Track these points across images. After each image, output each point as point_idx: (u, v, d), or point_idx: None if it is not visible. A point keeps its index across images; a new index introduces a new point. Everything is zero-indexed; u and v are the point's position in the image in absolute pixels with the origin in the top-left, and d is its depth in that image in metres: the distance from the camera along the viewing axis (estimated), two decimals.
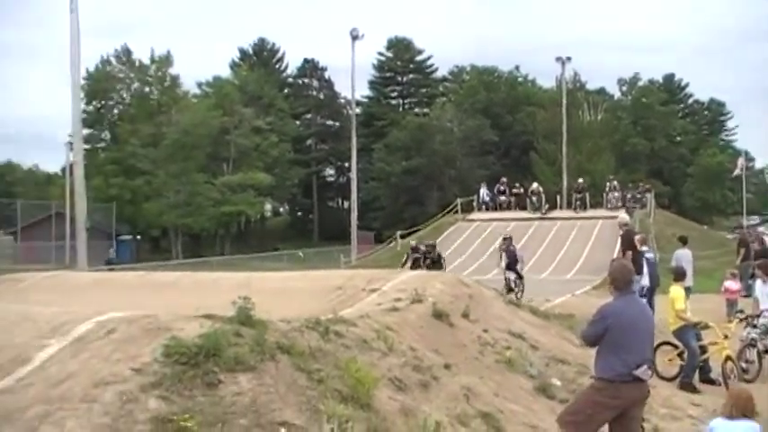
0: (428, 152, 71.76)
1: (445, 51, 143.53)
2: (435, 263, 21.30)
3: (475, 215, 45.47)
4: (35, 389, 6.04)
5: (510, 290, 21.78)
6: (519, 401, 8.67)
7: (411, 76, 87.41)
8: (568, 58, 57.46)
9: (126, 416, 5.46)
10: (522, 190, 46.24)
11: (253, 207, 66.76)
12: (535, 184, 45.99)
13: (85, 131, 55.14)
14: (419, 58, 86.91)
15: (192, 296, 12.29)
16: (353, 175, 51.30)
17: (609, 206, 42.71)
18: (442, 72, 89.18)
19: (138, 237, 65.23)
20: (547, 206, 44.30)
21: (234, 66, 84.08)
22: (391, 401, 7.12)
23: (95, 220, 47.17)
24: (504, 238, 24.17)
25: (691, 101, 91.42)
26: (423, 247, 24.43)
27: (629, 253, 15.85)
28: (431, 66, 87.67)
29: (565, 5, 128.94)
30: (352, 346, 7.89)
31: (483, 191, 47.55)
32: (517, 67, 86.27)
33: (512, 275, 22.70)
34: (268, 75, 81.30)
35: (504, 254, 23.40)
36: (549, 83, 78.38)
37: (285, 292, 12.00)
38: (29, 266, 33.35)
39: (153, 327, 6.75)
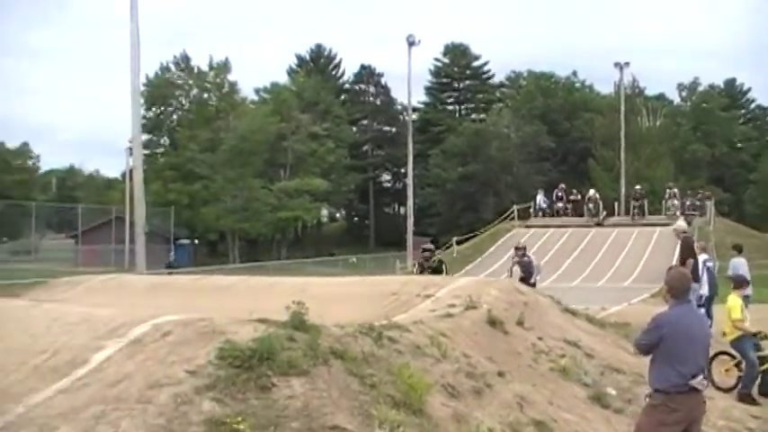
0: (485, 158, 71.54)
1: (502, 57, 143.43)
2: (436, 271, 19.11)
3: (532, 222, 45.22)
4: (92, 389, 6.12)
5: None
6: (573, 410, 8.57)
7: (468, 81, 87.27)
8: (627, 63, 57.00)
9: (180, 417, 5.50)
10: (579, 197, 45.87)
11: (309, 212, 67.19)
12: (592, 191, 45.57)
13: (145, 137, 56.02)
14: (476, 63, 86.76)
15: (247, 300, 12.36)
16: (410, 180, 51.38)
17: (668, 213, 42.18)
18: (498, 78, 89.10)
19: (196, 241, 65.95)
20: (604, 213, 43.87)
21: (291, 72, 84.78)
22: (444, 408, 7.08)
23: (154, 225, 47.82)
24: (517, 248, 22.23)
25: (753, 106, 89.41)
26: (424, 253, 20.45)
27: (691, 261, 15.61)
28: (487, 71, 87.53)
29: (623, 10, 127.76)
30: (406, 351, 7.86)
31: (540, 197, 47.28)
32: (575, 73, 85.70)
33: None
34: (325, 81, 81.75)
35: (517, 266, 21.65)
36: (607, 88, 77.85)
37: (340, 297, 12.01)
38: (89, 269, 33.91)
39: (208, 330, 6.80)
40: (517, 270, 21.27)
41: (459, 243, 43.88)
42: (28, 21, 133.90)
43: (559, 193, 46.13)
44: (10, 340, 7.98)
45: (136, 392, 5.84)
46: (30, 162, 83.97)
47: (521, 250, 21.77)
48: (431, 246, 19.42)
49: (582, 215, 43.90)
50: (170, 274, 27.01)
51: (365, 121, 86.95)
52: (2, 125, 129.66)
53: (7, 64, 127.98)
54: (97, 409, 5.69)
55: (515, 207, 47.89)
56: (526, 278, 20.27)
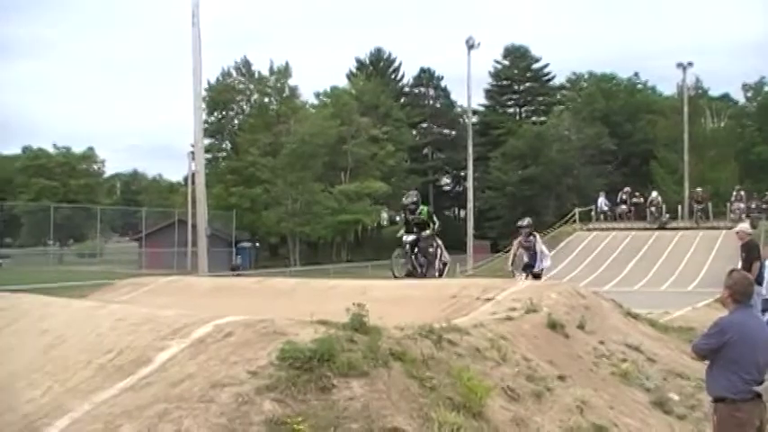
0: (545, 161, 71.02)
1: (562, 58, 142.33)
2: (422, 225, 16.25)
3: (593, 225, 44.82)
4: (155, 388, 6.23)
5: None
6: (634, 415, 8.47)
7: (528, 84, 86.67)
8: (690, 64, 56.09)
9: (241, 417, 5.56)
10: (641, 199, 45.32)
11: (369, 216, 67.32)
12: (654, 194, 45.01)
13: (207, 141, 56.82)
14: (536, 65, 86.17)
15: (308, 303, 12.45)
16: (469, 184, 51.23)
17: (732, 216, 41.42)
18: (559, 80, 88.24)
19: (257, 244, 66.51)
20: (667, 216, 43.28)
21: (351, 76, 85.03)
22: (504, 411, 7.06)
23: (216, 228, 48.42)
24: (521, 227, 18.71)
25: None
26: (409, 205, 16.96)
27: (757, 264, 15.33)
28: (548, 73, 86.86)
29: (686, 9, 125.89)
30: (466, 354, 7.84)
31: (601, 200, 46.85)
32: (636, 74, 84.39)
33: (523, 277, 17.88)
34: (384, 84, 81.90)
35: (521, 249, 18.66)
36: (669, 89, 76.67)
37: (399, 299, 12.02)
38: (152, 271, 34.42)
39: (269, 331, 6.87)
40: (522, 255, 18.64)
41: None
42: (93, 28, 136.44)
43: (623, 196, 45.64)
44: (77, 340, 8.15)
45: (198, 392, 5.94)
46: (95, 167, 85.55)
47: (526, 229, 18.53)
48: (414, 195, 17.02)
49: (644, 218, 43.38)
50: (236, 275, 27.32)
51: (425, 125, 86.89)
52: (69, 131, 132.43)
53: (74, 71, 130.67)
54: (160, 407, 5.80)
55: (576, 210, 47.54)
56: (531, 265, 18.21)
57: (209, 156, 59.16)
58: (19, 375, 7.65)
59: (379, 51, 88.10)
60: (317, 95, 77.04)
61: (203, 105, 44.86)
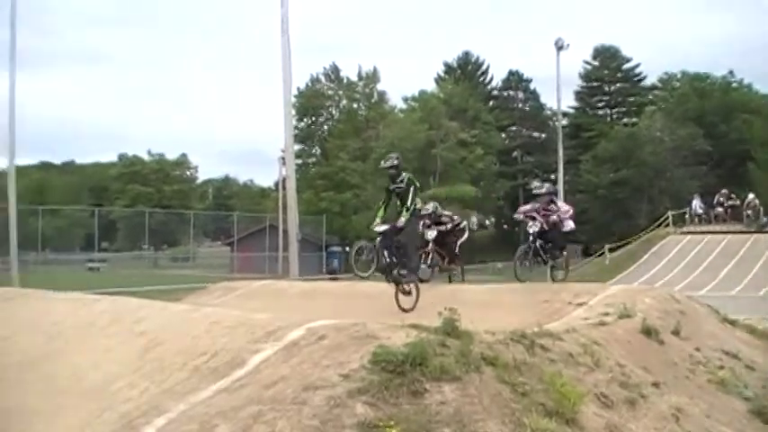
0: (637, 163, 69.73)
1: (654, 58, 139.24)
2: (403, 195, 13.59)
3: (687, 228, 43.92)
4: (249, 390, 6.33)
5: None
6: (732, 424, 8.25)
7: (618, 84, 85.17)
8: None
9: (334, 420, 5.60)
10: (737, 201, 44.20)
11: None
12: (751, 195, 43.83)
13: (297, 147, 57.52)
14: (627, 66, 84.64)
15: (393, 306, 12.54)
16: (560, 187, 50.63)
17: None
18: (650, 80, 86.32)
19: (347, 248, 66.83)
20: (765, 219, 42.09)
21: (439, 80, 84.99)
22: (597, 418, 6.95)
23: (306, 233, 48.83)
24: (538, 195, 15.97)
25: None
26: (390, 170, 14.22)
27: None
28: (639, 73, 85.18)
29: None
30: (558, 360, 7.76)
31: (696, 203, 45.91)
32: (731, 72, 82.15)
33: (536, 245, 15.04)
34: (473, 88, 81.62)
35: (537, 213, 15.38)
36: (766, 88, 74.54)
37: (491, 304, 11.99)
38: (244, 275, 34.88)
39: (361, 335, 6.91)
40: (538, 221, 15.28)
41: (611, 250, 43.08)
42: (186, 37, 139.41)
43: (720, 198, 44.63)
44: (173, 342, 8.33)
45: (291, 394, 6.00)
46: (188, 173, 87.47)
47: (546, 197, 15.80)
48: (395, 157, 14.05)
49: (741, 221, 42.30)
50: (333, 279, 27.54)
51: (514, 128, 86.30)
52: (162, 138, 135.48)
53: (168, 80, 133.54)
54: (254, 409, 5.88)
55: (670, 213, 46.68)
56: (546, 232, 15.11)
57: (299, 161, 59.94)
58: (117, 376, 7.86)
59: (467, 55, 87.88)
60: (406, 100, 77.28)
61: (293, 111, 45.42)
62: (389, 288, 13.26)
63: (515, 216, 16.91)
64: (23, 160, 79.37)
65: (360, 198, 64.26)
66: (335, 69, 73.04)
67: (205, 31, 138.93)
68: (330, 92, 73.19)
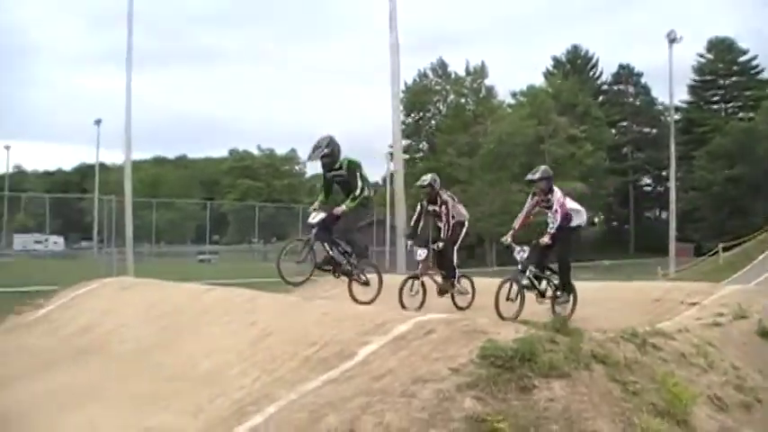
0: (754, 159, 67.57)
1: None
2: (346, 184, 11.76)
3: None
4: (358, 381, 6.42)
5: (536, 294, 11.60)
6: None
7: (734, 78, 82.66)
8: None
9: (442, 413, 5.62)
10: None
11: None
12: None
13: (404, 142, 57.53)
14: (742, 58, 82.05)
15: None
16: (672, 184, 49.47)
17: None
18: None
19: None
20: None
21: (548, 74, 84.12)
22: (710, 421, 6.78)
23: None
24: (532, 180, 12.56)
25: None
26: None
27: None
28: (756, 66, 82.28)
29: None
30: (670, 359, 7.59)
31: None
32: None
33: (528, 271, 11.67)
34: (582, 82, 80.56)
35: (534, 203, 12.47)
36: None
37: (600, 301, 11.81)
38: None
39: (470, 329, 6.91)
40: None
41: (725, 249, 41.92)
42: (295, 35, 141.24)
43: None
44: (283, 332, 8.50)
45: (399, 387, 6.05)
46: (297, 167, 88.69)
47: (541, 183, 12.38)
48: (326, 139, 11.52)
49: None
50: None
51: (624, 123, 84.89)
52: (272, 134, 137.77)
53: (276, 76, 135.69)
54: (363, 400, 5.96)
55: None
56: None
57: (406, 156, 59.87)
58: (231, 364, 8.07)
59: (575, 49, 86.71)
60: (514, 95, 76.76)
61: (401, 107, 45.56)
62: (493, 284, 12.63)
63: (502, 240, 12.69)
64: (139, 155, 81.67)
65: (467, 194, 64.08)
66: (443, 65, 73.10)
67: (314, 28, 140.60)
68: (437, 87, 73.26)
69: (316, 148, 11.44)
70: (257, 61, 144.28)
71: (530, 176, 12.71)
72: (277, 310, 9.82)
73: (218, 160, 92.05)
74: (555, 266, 11.93)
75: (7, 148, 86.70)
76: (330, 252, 11.69)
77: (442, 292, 12.68)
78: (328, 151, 11.42)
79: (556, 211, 11.86)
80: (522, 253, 11.81)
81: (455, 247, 13.09)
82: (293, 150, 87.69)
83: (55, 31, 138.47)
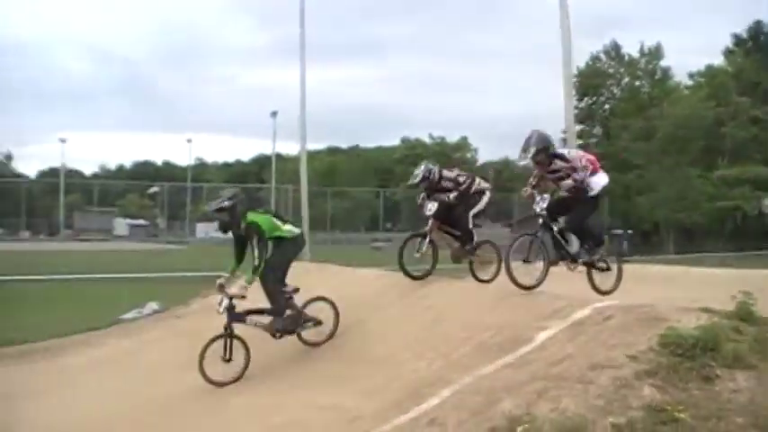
0: None
1: None
2: (243, 239, 9.91)
3: None
4: (534, 366, 6.40)
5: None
6: None
7: None
8: None
9: (620, 401, 5.51)
10: None
11: (749, 202, 63.40)
12: None
13: (578, 127, 56.53)
14: None
15: (688, 290, 12.05)
16: None
17: None
18: None
19: (629, 231, 65.17)
20: None
21: (728, 53, 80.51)
22: None
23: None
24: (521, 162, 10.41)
25: None
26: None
27: None
28: None
29: None
30: None
31: None
32: None
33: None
34: (766, 61, 76.69)
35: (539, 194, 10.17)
36: None
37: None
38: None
39: (649, 316, 6.76)
40: (540, 202, 10.24)
41: None
42: (465, 22, 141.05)
43: None
44: (458, 317, 8.58)
45: (577, 372, 5.99)
46: (468, 155, 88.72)
47: (537, 152, 9.91)
48: (227, 198, 9.89)
49: None
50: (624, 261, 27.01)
51: None
52: (444, 121, 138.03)
53: (448, 64, 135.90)
54: (539, 384, 5.94)
55: None
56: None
57: (580, 141, 58.79)
58: (406, 347, 8.22)
59: (758, 24, 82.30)
60: (692, 76, 73.74)
61: (573, 91, 44.80)
62: (678, 271, 12.55)
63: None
64: (313, 146, 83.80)
65: (644, 179, 62.39)
66: (616, 47, 71.13)
67: (484, 13, 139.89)
68: (611, 70, 71.43)
69: (217, 197, 10.02)
70: (427, 49, 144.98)
71: (521, 157, 10.01)
72: (451, 295, 9.91)
73: (390, 149, 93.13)
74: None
75: (189, 141, 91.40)
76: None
77: (454, 257, 11.78)
78: (227, 204, 9.80)
79: (583, 166, 10.13)
80: (541, 203, 9.91)
81: (472, 213, 11.76)
82: (464, 138, 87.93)
83: (229, 29, 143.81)
